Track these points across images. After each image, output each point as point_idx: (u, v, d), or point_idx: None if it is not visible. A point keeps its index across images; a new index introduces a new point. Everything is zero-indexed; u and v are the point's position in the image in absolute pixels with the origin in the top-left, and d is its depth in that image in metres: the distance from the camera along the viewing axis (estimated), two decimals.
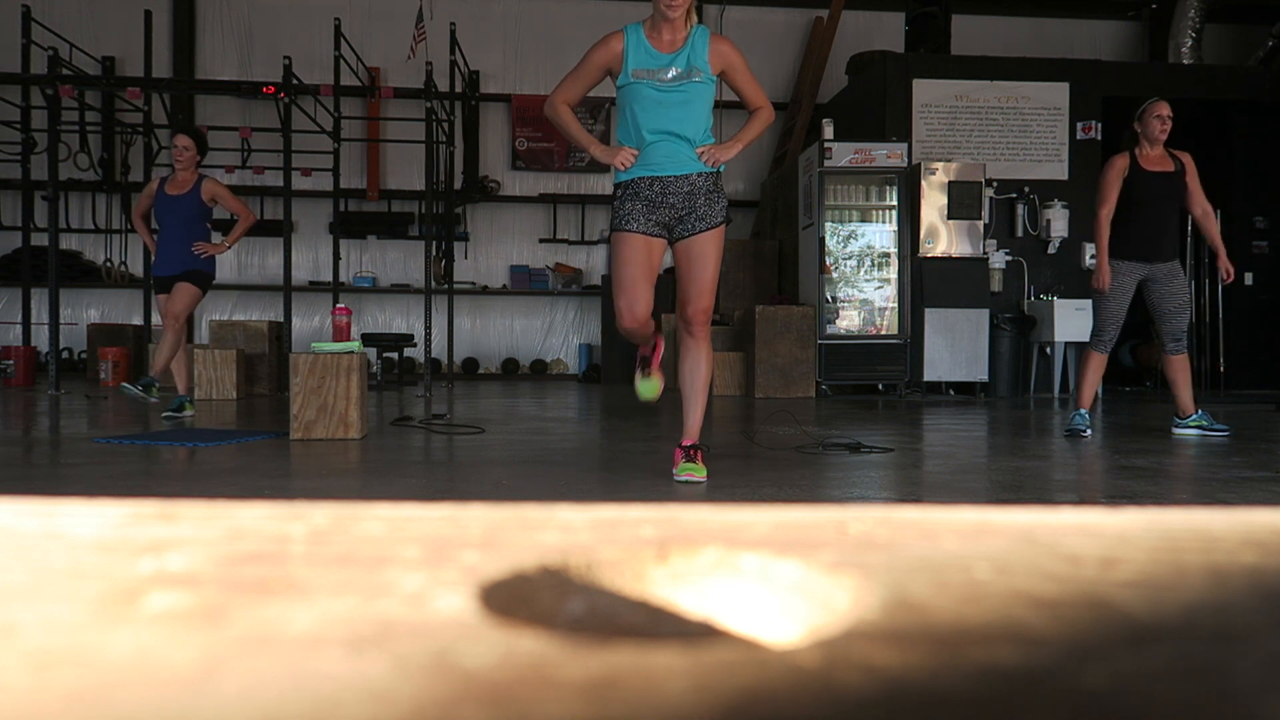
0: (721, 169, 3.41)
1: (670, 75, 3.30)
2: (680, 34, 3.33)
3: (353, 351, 4.80)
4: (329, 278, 11.12)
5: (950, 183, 8.48)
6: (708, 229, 3.36)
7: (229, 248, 5.99)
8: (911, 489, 3.37)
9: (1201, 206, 5.12)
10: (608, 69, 3.38)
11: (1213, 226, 5.14)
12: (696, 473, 3.30)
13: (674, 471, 3.38)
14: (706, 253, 3.37)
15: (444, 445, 4.54)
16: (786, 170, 10.89)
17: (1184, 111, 10.48)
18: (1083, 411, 5.06)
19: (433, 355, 9.69)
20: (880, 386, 8.96)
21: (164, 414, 5.91)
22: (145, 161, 10.12)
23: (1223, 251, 5.12)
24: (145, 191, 6.12)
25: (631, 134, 3.36)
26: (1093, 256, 9.04)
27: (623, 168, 3.34)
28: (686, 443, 3.42)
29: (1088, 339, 5.27)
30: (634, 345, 3.69)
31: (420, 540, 0.38)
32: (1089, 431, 5.02)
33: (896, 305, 8.62)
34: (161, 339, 6.03)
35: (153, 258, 6.08)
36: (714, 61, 3.35)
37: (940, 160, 8.67)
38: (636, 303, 3.33)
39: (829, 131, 8.58)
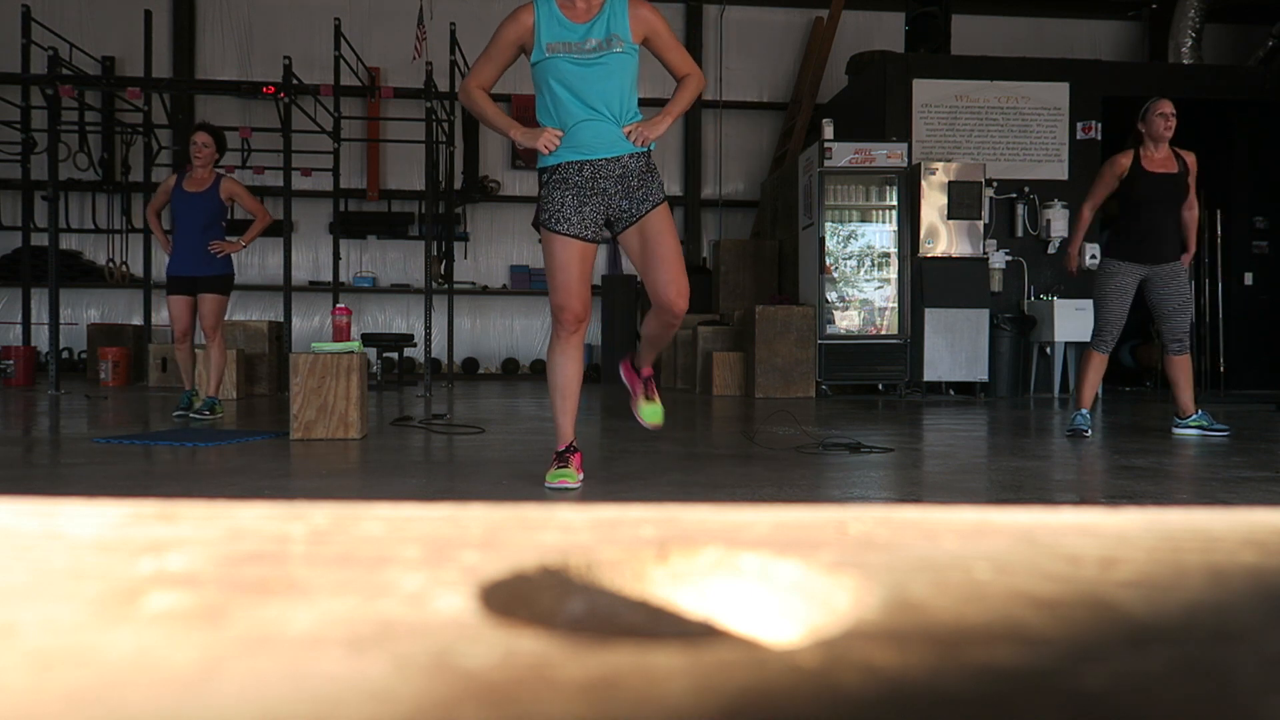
0: (652, 147, 3.19)
1: (589, 46, 3.04)
2: (596, 5, 3.07)
3: (353, 351, 4.80)
4: (329, 278, 11.12)
5: (950, 183, 8.48)
6: (653, 207, 3.14)
7: (245, 246, 5.98)
8: (911, 489, 3.37)
9: (1190, 206, 5.15)
10: (520, 45, 3.12)
11: (1193, 224, 5.17)
12: (659, 418, 3.54)
13: (638, 405, 3.55)
14: (661, 228, 3.13)
15: (444, 445, 4.54)
16: (786, 170, 10.89)
17: (1184, 111, 10.51)
18: (1084, 411, 5.06)
19: (433, 355, 9.69)
20: (880, 386, 8.96)
21: (189, 414, 5.89)
22: (145, 161, 10.12)
23: (1192, 248, 5.18)
24: (162, 187, 6.05)
25: (552, 114, 3.09)
26: (1093, 256, 9.06)
27: (547, 151, 3.08)
28: (646, 372, 3.53)
29: (1089, 339, 5.28)
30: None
31: (420, 540, 0.38)
32: (1089, 431, 5.02)
33: (896, 305, 8.62)
34: (206, 357, 6.01)
35: (165, 255, 6.05)
36: (635, 28, 3.09)
37: (940, 160, 8.67)
38: (574, 300, 3.14)
39: (829, 131, 8.58)
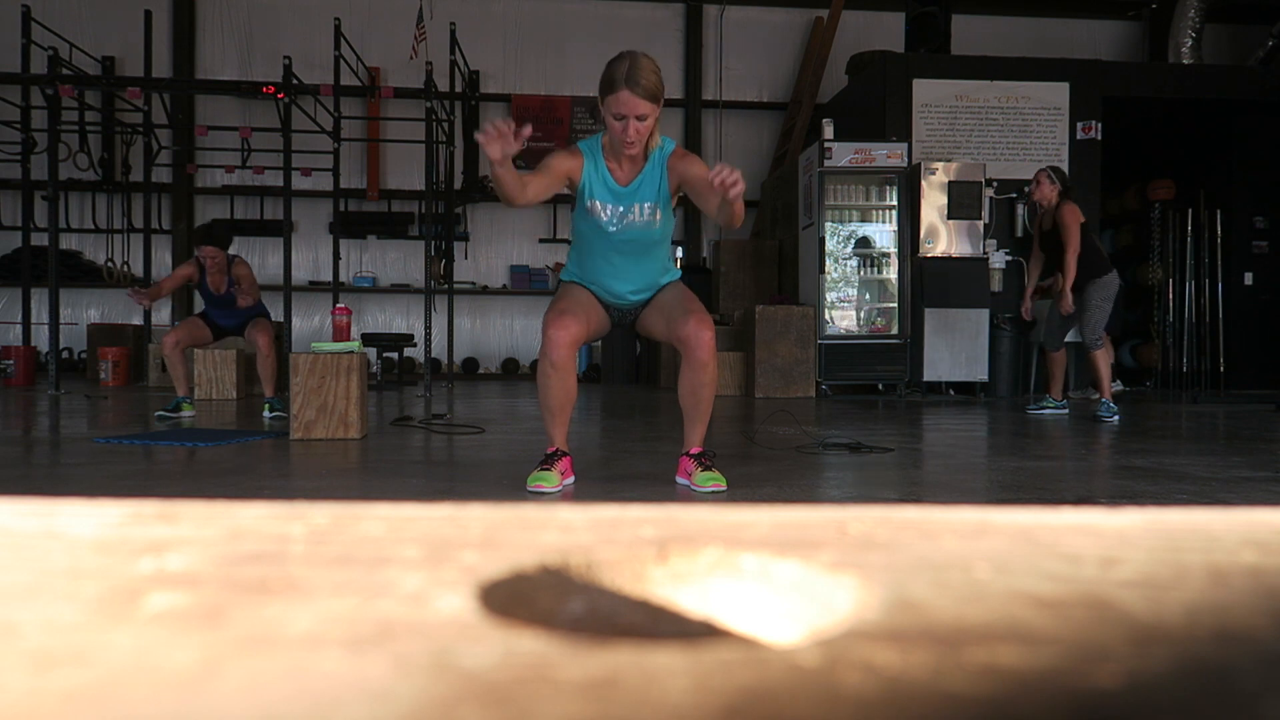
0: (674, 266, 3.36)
1: (630, 219, 3.10)
2: (640, 161, 3.07)
3: (353, 351, 4.80)
4: (329, 278, 11.12)
5: (950, 183, 8.48)
6: (665, 284, 3.29)
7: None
8: (911, 489, 3.37)
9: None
10: (570, 176, 3.07)
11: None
12: (720, 481, 3.09)
13: (692, 483, 3.13)
14: (679, 292, 3.24)
15: (444, 445, 4.54)
16: (786, 170, 10.89)
17: (1185, 111, 10.54)
18: (1107, 401, 5.98)
19: (433, 355, 9.69)
20: (880, 386, 8.96)
21: (159, 413, 5.95)
22: (145, 161, 10.12)
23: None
24: (182, 272, 6.14)
25: (584, 260, 3.23)
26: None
27: (489, 137, 2.49)
28: (695, 450, 3.18)
29: (1089, 343, 5.76)
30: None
31: (420, 540, 0.38)
32: (1117, 418, 5.86)
33: (896, 305, 8.62)
34: (260, 366, 6.18)
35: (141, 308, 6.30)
36: (671, 180, 3.09)
37: (940, 160, 8.67)
38: (568, 316, 3.07)
39: (829, 131, 8.57)
